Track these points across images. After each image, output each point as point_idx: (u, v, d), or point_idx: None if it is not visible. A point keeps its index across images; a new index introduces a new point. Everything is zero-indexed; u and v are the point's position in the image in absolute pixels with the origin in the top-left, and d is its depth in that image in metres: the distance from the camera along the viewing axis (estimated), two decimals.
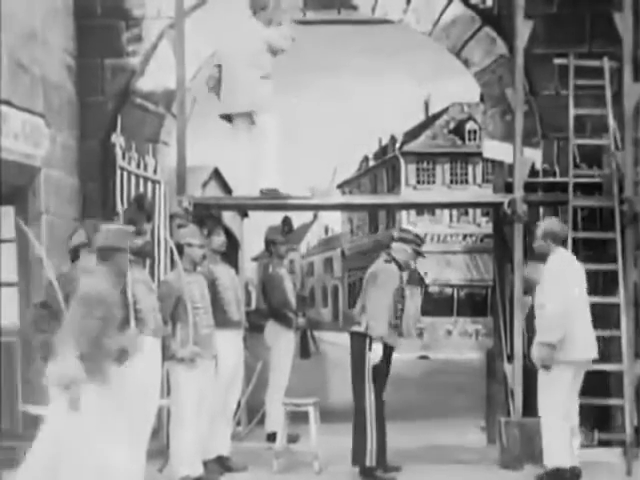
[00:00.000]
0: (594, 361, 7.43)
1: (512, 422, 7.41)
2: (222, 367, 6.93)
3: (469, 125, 41.63)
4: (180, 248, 6.81)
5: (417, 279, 40.31)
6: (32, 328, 5.63)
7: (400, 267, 7.10)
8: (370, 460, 6.85)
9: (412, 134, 43.42)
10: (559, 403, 6.62)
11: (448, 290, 39.77)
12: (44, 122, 7.65)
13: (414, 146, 42.02)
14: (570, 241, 7.71)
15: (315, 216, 64.28)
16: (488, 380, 8.57)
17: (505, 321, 7.91)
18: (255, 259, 37.94)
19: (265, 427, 8.51)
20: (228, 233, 8.00)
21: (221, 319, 7.08)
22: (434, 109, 45.02)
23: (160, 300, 6.54)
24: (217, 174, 22.93)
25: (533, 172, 8.31)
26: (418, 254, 7.19)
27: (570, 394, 6.71)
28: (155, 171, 8.28)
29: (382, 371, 6.97)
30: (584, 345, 6.72)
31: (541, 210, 8.29)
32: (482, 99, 9.48)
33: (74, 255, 5.79)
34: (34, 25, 7.70)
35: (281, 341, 8.58)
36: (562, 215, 8.06)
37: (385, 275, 7.02)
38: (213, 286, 7.16)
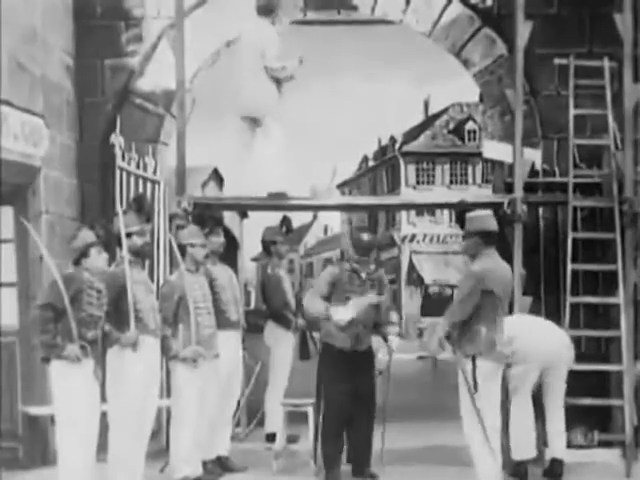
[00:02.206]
0: (594, 362, 7.46)
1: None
2: (221, 367, 6.93)
3: (469, 125, 41.68)
4: (182, 249, 6.81)
5: (416, 280, 40.42)
6: (36, 328, 5.63)
7: (353, 270, 7.08)
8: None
9: (412, 134, 43.48)
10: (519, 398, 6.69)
11: (448, 291, 39.73)
12: (44, 122, 7.64)
13: (414, 146, 42.06)
14: (570, 241, 7.73)
15: (315, 216, 64.38)
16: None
17: None
18: (255, 259, 37.94)
19: (264, 428, 8.51)
20: (227, 233, 7.99)
21: (219, 319, 7.07)
22: (434, 109, 45.14)
23: (162, 300, 6.54)
24: (216, 174, 22.92)
25: (533, 172, 8.31)
26: (356, 249, 7.12)
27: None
28: (155, 171, 8.29)
29: (336, 377, 6.90)
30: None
31: (541, 210, 8.30)
32: (482, 99, 9.49)
33: (83, 254, 5.78)
34: (34, 25, 7.69)
35: (280, 342, 8.57)
36: (562, 215, 8.07)
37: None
38: (211, 286, 7.15)
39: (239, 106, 7.82)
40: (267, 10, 7.82)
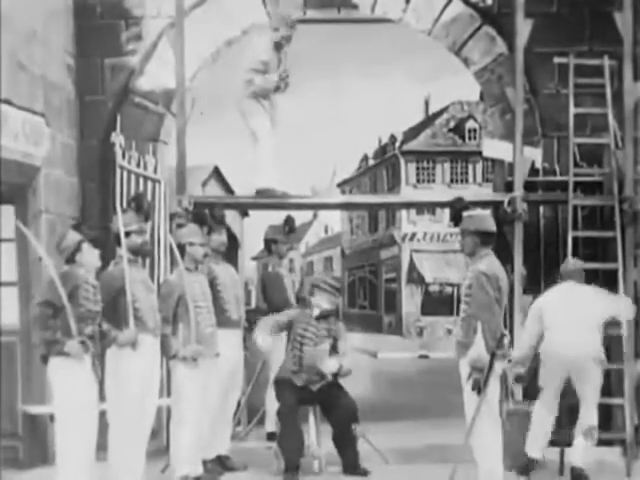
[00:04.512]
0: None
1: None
2: (222, 366, 6.93)
3: (469, 124, 41.61)
4: (182, 247, 6.81)
5: (416, 278, 40.40)
6: (36, 326, 5.66)
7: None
8: (279, 462, 7.10)
9: (412, 133, 43.41)
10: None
11: (448, 289, 39.77)
12: (44, 121, 7.64)
13: (414, 145, 42.00)
14: (570, 240, 7.72)
15: (315, 215, 64.34)
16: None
17: (505, 320, 7.90)
18: (255, 258, 37.94)
19: (265, 427, 8.52)
20: (228, 232, 7.99)
21: (220, 318, 7.08)
22: (434, 108, 45.05)
23: (162, 299, 6.54)
24: (217, 173, 22.93)
25: (533, 171, 8.31)
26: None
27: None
28: (155, 170, 8.29)
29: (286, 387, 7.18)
30: None
31: (541, 209, 8.29)
32: (482, 98, 9.50)
33: (76, 250, 5.81)
34: (34, 25, 7.69)
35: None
36: (562, 214, 8.07)
37: None
38: (212, 285, 7.16)
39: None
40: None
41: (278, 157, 8.07)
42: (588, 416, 6.79)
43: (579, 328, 6.83)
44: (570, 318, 6.82)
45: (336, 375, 7.19)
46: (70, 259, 5.84)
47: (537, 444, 6.86)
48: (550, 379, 6.87)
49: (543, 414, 6.88)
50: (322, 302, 7.32)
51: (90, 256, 5.89)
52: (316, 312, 7.33)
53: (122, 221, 6.20)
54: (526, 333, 7.05)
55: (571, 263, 7.20)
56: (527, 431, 6.94)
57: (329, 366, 7.14)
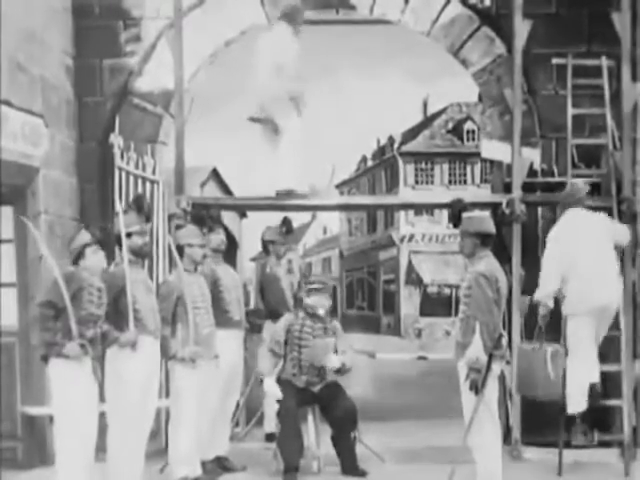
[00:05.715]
0: None
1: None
2: (222, 367, 6.94)
3: (467, 125, 41.62)
4: (180, 249, 6.82)
5: (415, 279, 40.40)
6: (37, 326, 5.65)
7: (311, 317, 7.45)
8: (277, 463, 7.15)
9: (410, 134, 43.43)
10: None
11: (447, 290, 39.76)
12: (43, 122, 7.64)
13: (412, 146, 42.01)
14: None
15: (314, 216, 64.36)
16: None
17: (503, 321, 7.90)
18: (254, 259, 37.94)
19: (264, 427, 8.52)
20: (226, 233, 8.00)
21: (222, 319, 7.09)
22: (432, 109, 45.07)
23: (160, 300, 6.54)
24: (215, 174, 22.94)
25: (531, 172, 8.31)
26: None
27: None
28: (154, 171, 8.29)
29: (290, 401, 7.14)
30: None
31: (539, 210, 8.29)
32: (480, 99, 9.48)
33: (80, 255, 5.81)
34: (33, 25, 7.69)
35: None
36: (561, 215, 8.06)
37: None
38: (215, 286, 7.17)
39: (253, 107, 7.93)
40: (291, 17, 7.95)
41: (302, 158, 8.08)
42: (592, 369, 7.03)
43: (606, 272, 7.13)
44: (596, 261, 7.08)
45: (338, 371, 7.21)
46: (74, 261, 5.84)
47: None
48: (586, 329, 7.04)
49: (583, 368, 6.99)
50: (314, 302, 7.34)
51: (95, 258, 5.87)
52: (310, 312, 7.35)
53: (124, 222, 6.20)
54: (551, 271, 7.19)
55: (583, 188, 7.38)
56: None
57: (333, 361, 7.16)
